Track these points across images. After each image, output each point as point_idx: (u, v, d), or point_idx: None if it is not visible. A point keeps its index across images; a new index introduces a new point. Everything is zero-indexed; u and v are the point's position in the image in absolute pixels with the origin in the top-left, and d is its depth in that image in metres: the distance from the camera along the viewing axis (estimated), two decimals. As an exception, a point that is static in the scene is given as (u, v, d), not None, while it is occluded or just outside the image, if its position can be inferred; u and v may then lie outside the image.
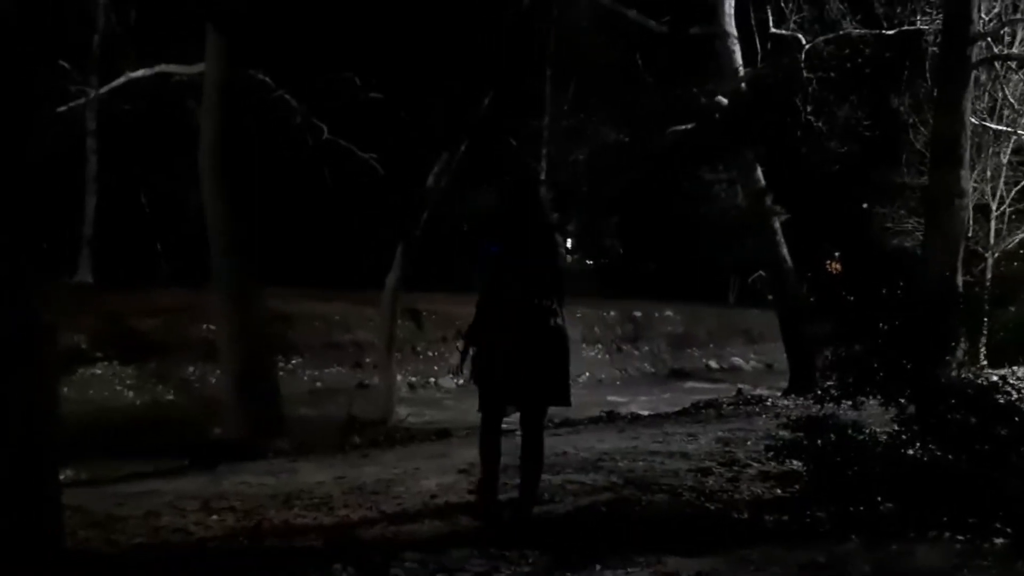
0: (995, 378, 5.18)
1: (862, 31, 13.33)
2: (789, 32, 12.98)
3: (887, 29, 13.24)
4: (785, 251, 12.86)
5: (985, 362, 7.82)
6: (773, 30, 12.87)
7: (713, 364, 22.12)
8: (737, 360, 22.58)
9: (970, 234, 14.28)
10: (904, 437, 4.72)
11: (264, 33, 10.45)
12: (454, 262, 16.80)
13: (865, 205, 21.87)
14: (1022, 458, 4.40)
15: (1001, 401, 4.71)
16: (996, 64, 14.41)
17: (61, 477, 3.68)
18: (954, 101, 10.42)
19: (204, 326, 13.20)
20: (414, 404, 13.30)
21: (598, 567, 3.69)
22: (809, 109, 13.45)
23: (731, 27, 12.77)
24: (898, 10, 13.35)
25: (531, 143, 22.45)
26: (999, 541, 3.98)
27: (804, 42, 12.87)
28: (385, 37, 17.74)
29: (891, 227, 19.55)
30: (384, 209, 16.83)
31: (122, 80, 12.82)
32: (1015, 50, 14.53)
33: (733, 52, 12.76)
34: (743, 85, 12.85)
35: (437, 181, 11.85)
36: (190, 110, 13.85)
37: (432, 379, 16.54)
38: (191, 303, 13.90)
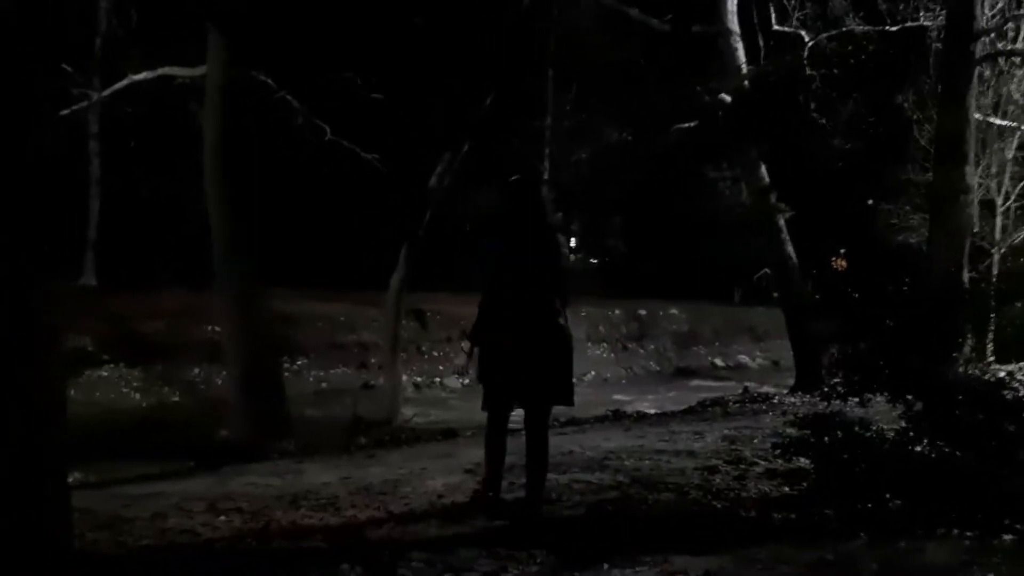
0: (1002, 374, 5.17)
1: (865, 28, 13.31)
2: (792, 29, 12.96)
3: (890, 26, 13.22)
4: (790, 248, 12.85)
5: (992, 358, 7.78)
6: (776, 27, 12.86)
7: (719, 362, 22.10)
8: (743, 358, 22.55)
9: (976, 230, 14.26)
10: (911, 434, 4.71)
11: (265, 34, 10.46)
12: (457, 262, 16.79)
13: (870, 202, 21.81)
14: (1030, 454, 4.38)
15: (1008, 397, 4.69)
16: (1000, 60, 14.38)
17: (69, 480, 3.68)
18: (958, 97, 10.40)
19: (208, 327, 13.21)
20: (419, 404, 13.32)
21: (605, 566, 3.69)
22: (813, 106, 13.44)
23: (734, 25, 12.76)
24: (901, 7, 13.33)
25: (533, 143, 22.44)
26: (1008, 538, 3.97)
27: (807, 39, 12.85)
28: (386, 37, 17.74)
29: (896, 224, 19.50)
30: (387, 209, 16.83)
31: (124, 83, 12.82)
32: (1019, 46, 14.49)
33: (736, 50, 12.75)
34: (746, 83, 12.84)
35: (440, 181, 11.86)
36: (192, 112, 13.86)
37: (437, 379, 16.54)
38: (195, 305, 13.91)
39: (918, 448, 4.63)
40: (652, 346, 21.52)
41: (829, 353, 5.90)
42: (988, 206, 17.37)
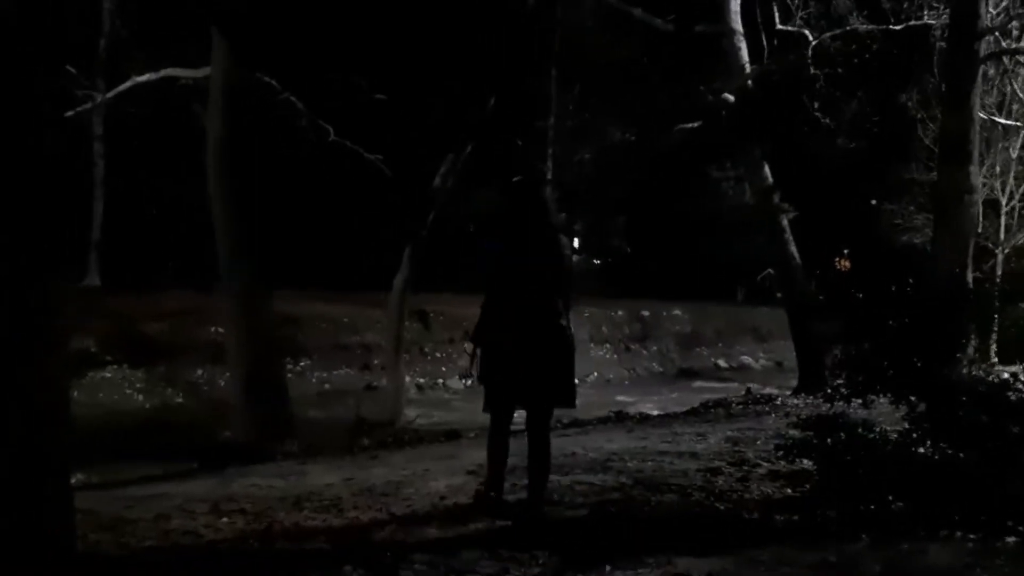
0: (1006, 375, 5.14)
1: (869, 27, 13.29)
2: (796, 29, 12.94)
3: (894, 25, 13.19)
4: (793, 249, 12.83)
5: (996, 359, 7.75)
6: (779, 27, 12.84)
7: (722, 363, 22.07)
8: (746, 359, 22.53)
9: (980, 230, 14.22)
10: (915, 435, 4.70)
11: (269, 36, 10.46)
12: (461, 263, 16.80)
13: (874, 202, 21.80)
14: (1034, 456, 4.37)
15: (1012, 398, 4.67)
16: (1004, 59, 14.34)
17: (71, 481, 3.68)
18: (962, 96, 10.37)
19: (212, 329, 13.24)
20: (422, 405, 13.32)
21: (608, 568, 3.68)
22: (816, 106, 13.42)
23: (737, 24, 12.74)
24: (905, 5, 13.31)
25: (537, 143, 22.43)
26: (1011, 540, 3.96)
27: (811, 38, 12.83)
28: (390, 38, 17.76)
29: (900, 224, 19.49)
30: (390, 210, 16.84)
31: (128, 84, 12.84)
32: (1023, 44, 14.45)
33: (739, 49, 12.74)
34: (750, 82, 12.82)
35: (443, 182, 11.87)
36: (196, 114, 13.88)
37: (440, 380, 16.55)
38: (198, 306, 13.95)
39: (921, 450, 4.62)
40: (655, 347, 21.51)
41: (832, 354, 5.88)
42: (992, 206, 17.35)
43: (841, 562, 3.77)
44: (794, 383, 12.60)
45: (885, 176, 20.14)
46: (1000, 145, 17.07)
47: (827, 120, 13.90)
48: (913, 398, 4.85)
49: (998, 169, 17.19)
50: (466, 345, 4.73)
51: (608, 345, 20.41)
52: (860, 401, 5.15)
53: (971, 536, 4.00)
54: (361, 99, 13.90)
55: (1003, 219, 17.72)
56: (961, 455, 4.46)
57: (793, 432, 5.01)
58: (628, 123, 22.57)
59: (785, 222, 12.91)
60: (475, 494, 4.74)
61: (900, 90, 17.59)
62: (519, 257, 4.47)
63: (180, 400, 13.55)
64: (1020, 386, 4.83)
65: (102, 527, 4.42)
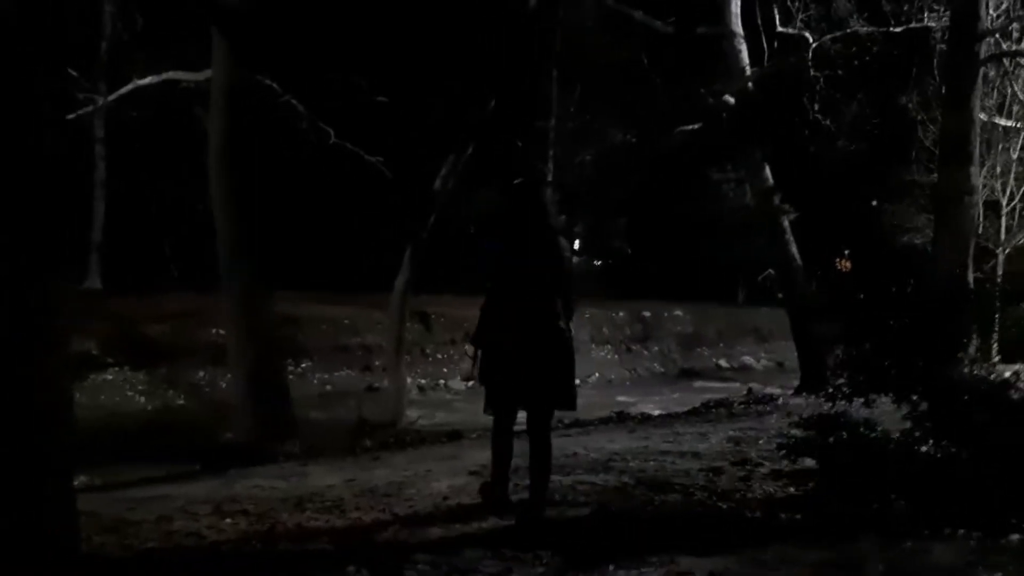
0: (1007, 374, 5.15)
1: (869, 29, 13.28)
2: (796, 31, 12.94)
3: (894, 27, 13.19)
4: (794, 250, 12.84)
5: (997, 358, 7.78)
6: (780, 29, 12.84)
7: (723, 363, 22.07)
8: (747, 359, 22.52)
9: (980, 231, 14.24)
10: (917, 434, 4.70)
11: (269, 37, 10.48)
12: (462, 264, 16.81)
13: (874, 203, 21.81)
14: (1036, 454, 4.37)
15: (1014, 397, 4.68)
16: (1005, 60, 14.35)
17: (74, 483, 3.68)
18: (963, 98, 10.39)
19: (213, 330, 13.23)
20: (424, 406, 13.31)
21: (611, 567, 3.69)
22: (817, 108, 13.42)
23: (737, 26, 12.75)
24: (905, 7, 13.31)
25: (538, 144, 22.45)
26: (1014, 538, 3.96)
27: (811, 41, 12.83)
28: (390, 39, 17.77)
29: (900, 225, 19.49)
30: (391, 211, 16.85)
31: (130, 87, 12.87)
32: (1023, 46, 14.46)
33: (740, 51, 12.74)
34: (750, 84, 12.83)
35: (444, 183, 11.86)
36: (197, 116, 13.89)
37: (442, 381, 16.55)
38: (200, 308, 13.94)
39: (923, 448, 4.63)
40: (656, 347, 21.50)
41: (834, 354, 5.90)
42: (993, 207, 17.35)
43: (844, 561, 3.77)
44: (795, 383, 12.60)
45: (886, 177, 20.14)
46: (1000, 146, 17.07)
47: (827, 122, 13.90)
48: (915, 397, 4.85)
49: (998, 170, 17.19)
50: (467, 347, 4.75)
51: (609, 346, 20.41)
52: (862, 400, 5.16)
53: (974, 535, 4.00)
54: (362, 100, 13.92)
55: (1003, 220, 17.72)
56: (963, 454, 4.47)
57: (795, 431, 5.01)
58: (629, 125, 22.58)
59: (786, 223, 12.92)
60: (481, 486, 4.76)
61: (900, 92, 17.59)
62: (518, 258, 4.48)
63: (181, 402, 13.54)
64: (1022, 385, 4.84)
65: (105, 529, 4.42)
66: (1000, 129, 16.55)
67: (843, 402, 5.18)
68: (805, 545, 3.98)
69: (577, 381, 4.60)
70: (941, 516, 4.14)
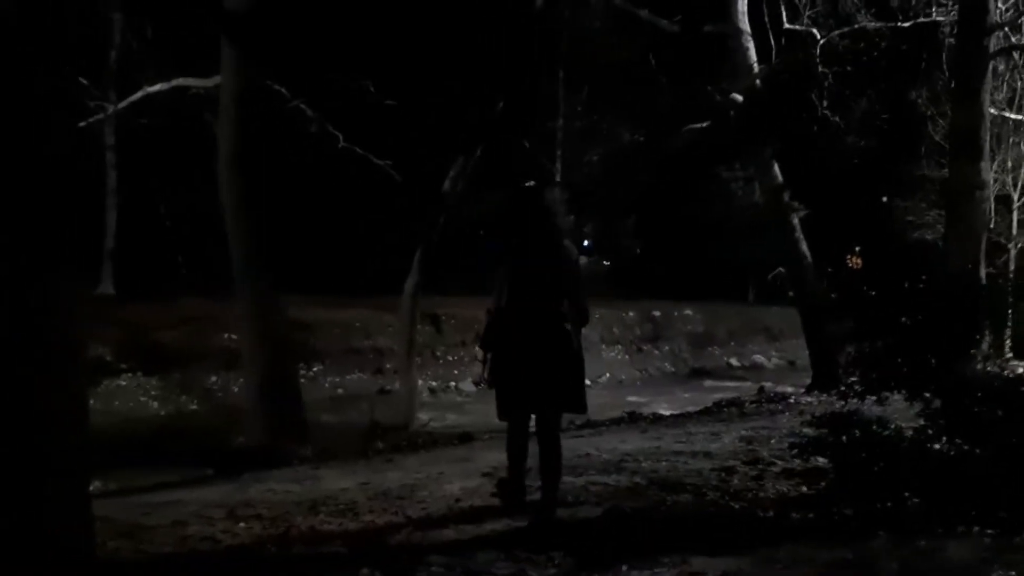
0: (1021, 370, 5.13)
1: (877, 24, 13.24)
2: (803, 27, 12.91)
3: (902, 21, 13.15)
4: (804, 247, 12.80)
5: (1011, 354, 7.73)
6: (787, 26, 12.81)
7: (734, 362, 22.02)
8: (759, 358, 22.46)
9: (992, 225, 14.15)
10: (930, 432, 4.68)
11: (277, 43, 10.52)
12: (471, 265, 16.83)
13: (885, 199, 21.72)
14: (1051, 451, 4.34)
15: (1027, 393, 4.65)
16: (1014, 54, 14.29)
17: (89, 488, 3.71)
18: (972, 92, 10.33)
19: (225, 335, 13.30)
20: (435, 408, 13.34)
21: (624, 568, 3.69)
22: (825, 104, 13.38)
23: (744, 24, 12.72)
24: (913, 2, 13.26)
25: (545, 144, 22.46)
26: (1029, 535, 3.94)
27: (819, 37, 12.81)
28: (397, 42, 17.81)
29: (911, 220, 19.40)
30: (400, 214, 16.88)
31: (140, 95, 12.95)
32: (1033, 39, 14.38)
33: (747, 49, 12.72)
34: (758, 82, 12.80)
35: (453, 185, 11.88)
36: (207, 123, 13.96)
37: (453, 383, 16.57)
38: (212, 313, 14.00)
39: (936, 446, 4.61)
40: (667, 347, 21.47)
41: (845, 352, 5.87)
42: (1004, 201, 17.26)
43: (857, 560, 3.76)
44: (807, 381, 12.57)
45: (896, 173, 20.06)
46: (1011, 140, 16.99)
47: (836, 118, 13.86)
48: (928, 395, 4.83)
49: (1009, 164, 17.10)
50: (477, 351, 4.76)
51: (620, 346, 20.39)
52: (874, 398, 5.14)
53: (988, 532, 3.98)
54: (370, 103, 13.96)
55: (1015, 214, 17.62)
56: (977, 451, 4.45)
57: (807, 430, 4.99)
58: (636, 124, 22.55)
59: (796, 221, 12.88)
60: (498, 483, 4.80)
61: (909, 87, 17.52)
62: (521, 260, 4.49)
63: (195, 407, 13.61)
64: (1035, 381, 4.81)
65: (120, 534, 4.44)
66: (1010, 123, 16.46)
67: (855, 400, 5.17)
68: (818, 544, 3.97)
69: (588, 382, 4.61)
70: (955, 514, 4.13)
